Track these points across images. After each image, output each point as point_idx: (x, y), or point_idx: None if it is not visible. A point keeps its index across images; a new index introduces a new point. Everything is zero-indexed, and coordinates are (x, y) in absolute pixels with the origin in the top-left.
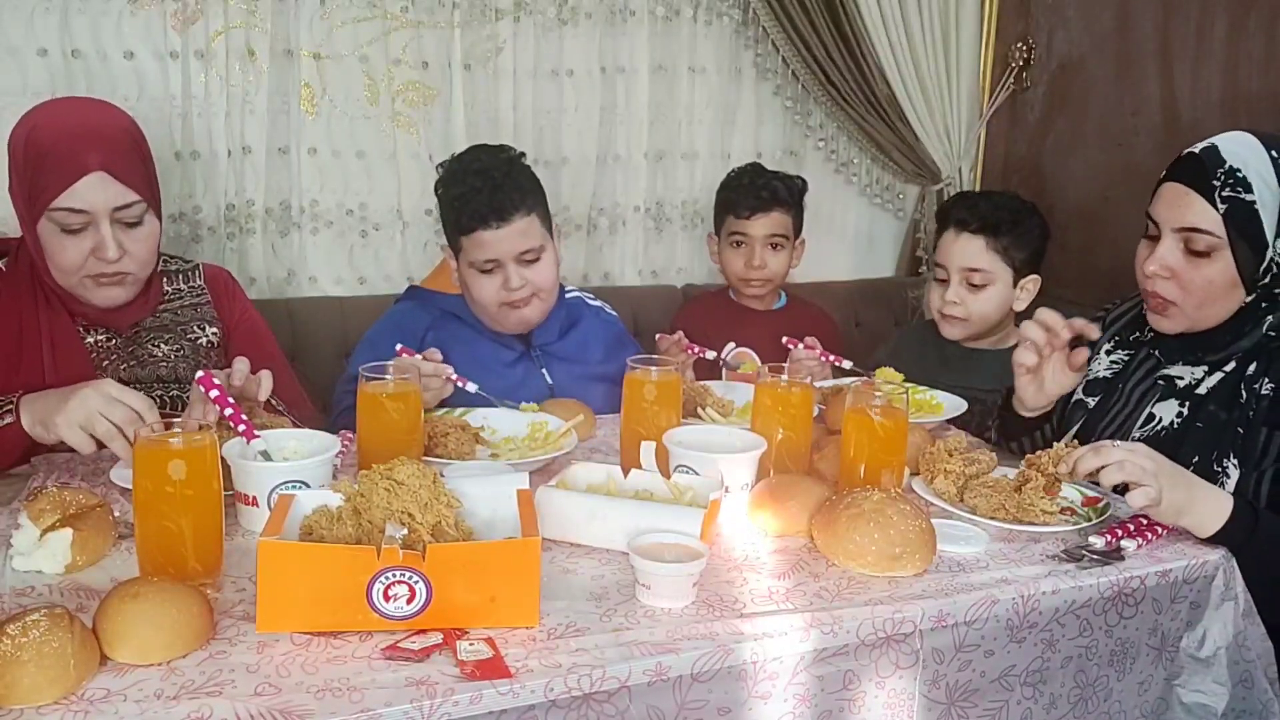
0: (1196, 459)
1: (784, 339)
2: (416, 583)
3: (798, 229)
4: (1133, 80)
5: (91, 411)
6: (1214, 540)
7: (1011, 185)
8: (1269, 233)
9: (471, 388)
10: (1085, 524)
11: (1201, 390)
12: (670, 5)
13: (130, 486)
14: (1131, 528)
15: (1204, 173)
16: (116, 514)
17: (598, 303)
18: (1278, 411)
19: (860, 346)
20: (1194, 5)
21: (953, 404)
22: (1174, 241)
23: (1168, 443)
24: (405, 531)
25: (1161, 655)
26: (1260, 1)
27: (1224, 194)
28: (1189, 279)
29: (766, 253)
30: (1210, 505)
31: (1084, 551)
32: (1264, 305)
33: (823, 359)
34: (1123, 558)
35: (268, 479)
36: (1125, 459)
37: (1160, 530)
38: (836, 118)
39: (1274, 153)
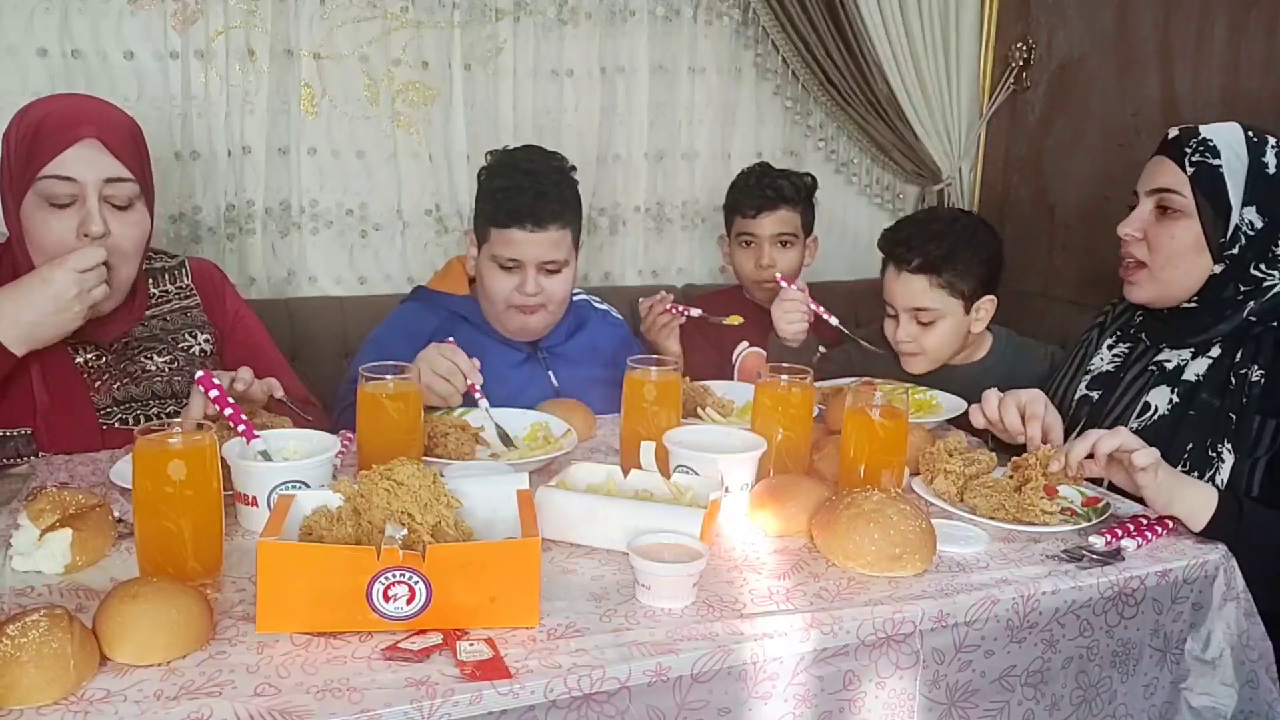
0: (1191, 445)
1: (776, 275)
2: (416, 583)
3: (808, 227)
4: (1133, 80)
5: None
6: (1205, 533)
7: (1012, 185)
8: (1234, 198)
9: (484, 404)
10: (1085, 524)
11: (1191, 377)
12: (670, 5)
13: (130, 486)
14: (1131, 528)
15: (1179, 144)
16: (116, 514)
17: (604, 306)
18: (1270, 399)
19: None
20: (1194, 5)
21: (952, 404)
22: (1148, 204)
23: (1163, 431)
24: (405, 532)
25: (1166, 657)
26: (1260, 1)
27: (1193, 159)
28: (1155, 237)
29: (775, 251)
30: (1198, 496)
31: (1084, 551)
32: (1241, 286)
33: (814, 305)
34: (1122, 558)
35: (267, 479)
36: (1117, 431)
37: (1160, 530)
38: (836, 118)
39: (1250, 133)
